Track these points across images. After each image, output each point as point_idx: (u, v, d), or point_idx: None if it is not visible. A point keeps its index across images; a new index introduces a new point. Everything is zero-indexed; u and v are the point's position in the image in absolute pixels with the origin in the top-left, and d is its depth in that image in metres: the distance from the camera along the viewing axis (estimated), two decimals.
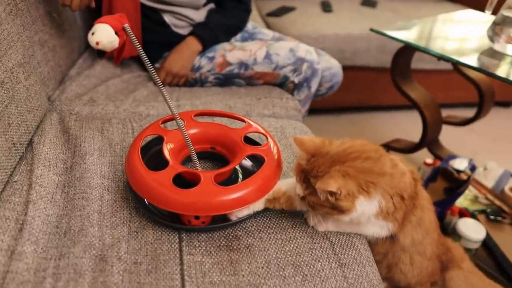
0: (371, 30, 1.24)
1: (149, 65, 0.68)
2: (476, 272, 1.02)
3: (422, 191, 0.76)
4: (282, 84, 1.24)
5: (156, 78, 0.69)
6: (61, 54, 1.10)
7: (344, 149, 0.67)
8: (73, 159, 0.82)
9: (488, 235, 1.27)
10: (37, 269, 0.61)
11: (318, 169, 0.64)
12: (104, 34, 0.64)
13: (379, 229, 0.71)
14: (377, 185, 0.64)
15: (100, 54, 1.28)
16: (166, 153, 0.72)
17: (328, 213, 0.66)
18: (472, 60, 1.10)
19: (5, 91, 0.76)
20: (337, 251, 0.69)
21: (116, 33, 0.65)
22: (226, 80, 1.25)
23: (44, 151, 0.82)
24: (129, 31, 0.67)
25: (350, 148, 0.67)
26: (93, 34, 0.64)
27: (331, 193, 0.61)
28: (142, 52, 0.67)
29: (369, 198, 0.63)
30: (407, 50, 1.31)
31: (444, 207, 1.31)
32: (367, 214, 0.65)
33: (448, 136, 1.91)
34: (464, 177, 1.37)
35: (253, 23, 1.46)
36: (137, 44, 0.66)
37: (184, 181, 0.69)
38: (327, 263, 0.66)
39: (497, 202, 1.43)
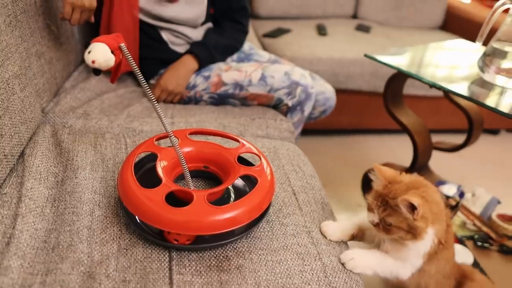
0: (365, 56, 1.27)
1: (143, 82, 0.68)
2: (488, 281, 1.04)
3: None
4: (276, 106, 1.26)
5: (150, 94, 0.69)
6: (57, 66, 1.10)
7: (415, 179, 0.78)
8: (65, 173, 0.82)
9: (475, 261, 1.28)
10: (23, 284, 0.60)
11: (396, 192, 0.74)
12: (100, 53, 0.64)
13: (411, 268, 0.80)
14: (441, 219, 0.76)
15: (96, 72, 1.28)
16: (159, 170, 0.72)
17: (402, 238, 0.75)
18: (462, 89, 1.13)
19: (0, 102, 0.76)
20: (328, 274, 0.69)
21: (112, 52, 0.66)
22: (220, 100, 1.26)
23: (36, 163, 0.81)
24: (125, 51, 0.67)
25: (420, 180, 0.79)
26: (89, 52, 0.65)
27: (412, 208, 0.70)
28: (137, 70, 0.68)
29: (433, 229, 0.75)
30: (399, 76, 1.34)
31: None
32: (422, 250, 0.77)
33: (437, 162, 1.94)
34: (453, 203, 1.38)
35: (250, 43, 1.48)
36: (132, 63, 0.67)
37: (176, 200, 0.69)
38: (317, 286, 0.66)
39: (485, 229, 1.44)
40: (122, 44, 0.67)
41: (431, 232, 0.74)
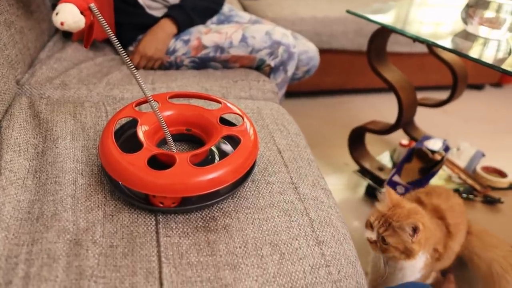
0: (348, 12, 1.24)
1: (118, 45, 0.66)
2: (484, 230, 1.10)
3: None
4: (259, 67, 1.23)
5: (127, 59, 0.67)
6: (29, 36, 1.06)
7: (415, 207, 0.91)
8: (45, 143, 0.80)
9: None
10: (9, 255, 0.59)
11: (399, 216, 0.84)
12: (69, 14, 0.61)
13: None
14: (431, 242, 0.89)
15: (66, 35, 1.24)
16: (141, 135, 0.71)
17: (396, 257, 0.85)
18: (445, 41, 1.11)
19: None
20: (315, 228, 0.69)
21: (82, 13, 0.63)
22: (202, 64, 1.23)
23: (14, 135, 0.79)
24: (96, 11, 0.65)
25: (419, 209, 0.91)
26: (57, 14, 0.62)
27: (414, 230, 0.82)
28: (110, 32, 0.65)
29: (424, 252, 0.87)
30: (383, 32, 1.32)
31: (419, 187, 1.34)
32: (418, 267, 0.91)
33: (423, 118, 1.95)
34: (438, 157, 1.39)
35: (230, 5, 1.43)
36: (104, 24, 0.64)
37: (159, 164, 0.68)
38: (305, 241, 0.67)
39: (470, 181, 1.47)
40: (92, 4, 0.64)
41: (422, 255, 0.88)
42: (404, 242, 0.84)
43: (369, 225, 0.89)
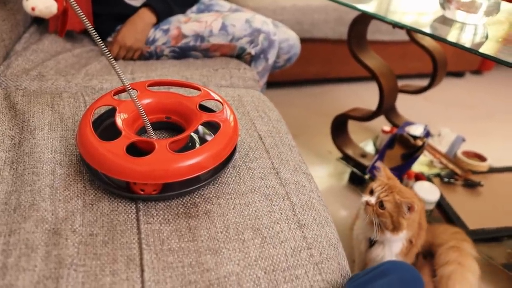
0: None
1: (94, 33, 0.64)
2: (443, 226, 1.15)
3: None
4: (239, 56, 1.23)
5: (103, 46, 0.66)
6: (3, 27, 1.03)
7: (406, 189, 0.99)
8: (21, 134, 0.78)
9: (442, 196, 1.33)
10: None
11: (400, 190, 0.94)
12: None
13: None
14: (414, 225, 0.96)
15: (39, 22, 1.21)
16: (119, 123, 0.70)
17: (386, 224, 0.93)
18: (424, 27, 1.12)
19: None
20: (297, 212, 0.70)
21: None
22: (182, 53, 1.22)
23: None
24: None
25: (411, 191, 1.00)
26: None
27: (409, 207, 0.90)
28: (84, 18, 0.63)
29: (407, 232, 0.94)
30: (363, 19, 1.33)
31: (401, 172, 1.36)
32: (394, 251, 0.98)
33: (404, 105, 1.97)
34: (419, 143, 1.41)
35: None
36: (78, 10, 0.62)
37: (139, 152, 0.68)
38: (286, 224, 0.67)
39: (451, 166, 1.49)
40: None
41: (404, 233, 0.94)
42: (397, 212, 0.92)
43: (369, 191, 0.97)
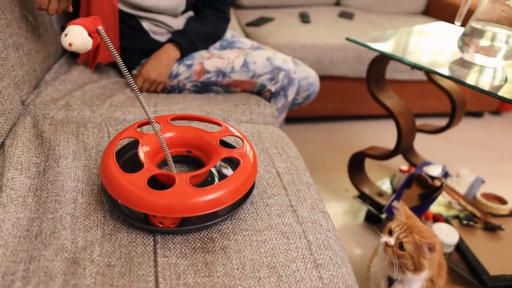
0: (347, 39, 1.27)
1: (123, 66, 0.68)
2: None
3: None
4: (260, 92, 1.26)
5: (131, 80, 0.69)
6: (36, 58, 1.09)
7: (426, 227, 0.98)
8: (46, 162, 0.81)
9: (461, 239, 1.30)
10: (6, 272, 0.59)
11: (419, 229, 0.93)
12: (77, 36, 0.64)
13: None
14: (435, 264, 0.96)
15: (73, 56, 1.27)
16: (142, 155, 0.72)
17: (406, 266, 0.92)
18: (443, 69, 1.14)
19: None
20: (313, 251, 0.69)
21: (89, 35, 0.65)
22: (204, 88, 1.25)
23: (17, 154, 0.80)
24: (103, 33, 0.67)
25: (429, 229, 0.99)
26: (66, 35, 0.64)
27: (430, 248, 0.89)
28: (116, 54, 0.67)
29: (428, 271, 0.94)
30: (381, 59, 1.35)
31: (418, 213, 1.34)
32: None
33: (422, 145, 1.96)
34: (437, 183, 1.40)
35: (232, 32, 1.47)
36: (111, 46, 0.66)
37: (160, 184, 0.69)
38: (303, 263, 0.67)
39: (470, 208, 1.46)
40: (100, 27, 0.66)
41: (425, 273, 0.93)
42: (418, 253, 0.91)
43: (388, 231, 0.97)
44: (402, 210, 0.99)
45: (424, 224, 0.99)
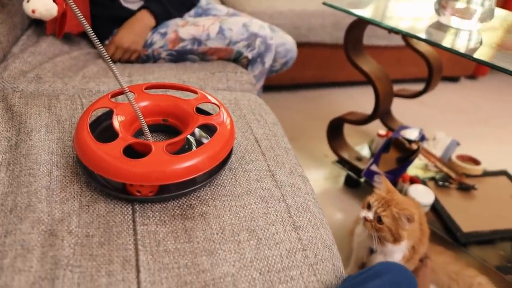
0: (324, 3, 1.25)
1: (91, 33, 0.65)
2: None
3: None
4: (236, 59, 1.24)
5: (100, 47, 0.66)
6: (1, 30, 1.04)
7: (409, 200, 1.04)
8: (18, 136, 0.79)
9: (436, 199, 1.34)
10: None
11: (397, 202, 0.94)
12: (40, 1, 0.60)
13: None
14: (415, 235, 0.98)
15: (38, 24, 1.21)
16: (116, 125, 0.70)
17: (385, 238, 0.94)
18: (420, 33, 1.14)
19: None
20: (292, 214, 0.70)
21: (54, 1, 0.62)
22: (179, 57, 1.23)
23: None
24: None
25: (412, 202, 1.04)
26: (28, 1, 0.61)
27: (409, 219, 0.90)
28: (83, 20, 0.64)
29: (407, 241, 0.96)
30: (359, 24, 1.34)
31: (396, 175, 1.37)
32: (397, 256, 0.99)
33: (400, 109, 1.98)
34: (414, 146, 1.42)
35: None
36: (77, 11, 0.63)
37: (136, 154, 0.68)
38: (282, 226, 0.68)
39: (445, 169, 1.50)
40: None
41: (405, 243, 0.95)
42: (396, 225, 0.92)
43: (367, 206, 0.97)
44: (384, 184, 1.00)
45: (400, 189, 1.01)
